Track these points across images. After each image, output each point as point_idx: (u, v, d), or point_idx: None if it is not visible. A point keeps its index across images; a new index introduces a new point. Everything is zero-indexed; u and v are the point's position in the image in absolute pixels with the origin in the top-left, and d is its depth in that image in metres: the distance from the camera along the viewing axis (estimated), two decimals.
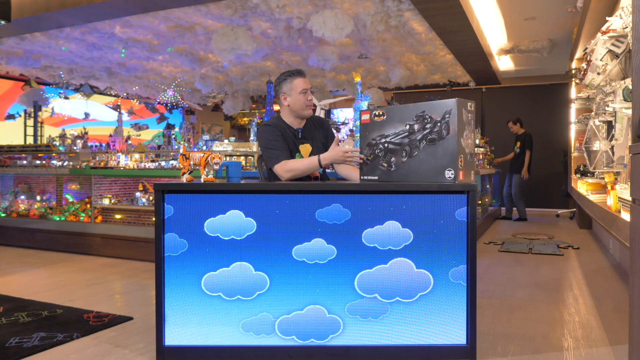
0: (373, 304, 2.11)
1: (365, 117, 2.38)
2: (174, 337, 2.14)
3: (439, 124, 2.09)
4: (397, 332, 2.11)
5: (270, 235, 2.13)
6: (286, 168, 2.57)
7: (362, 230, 2.12)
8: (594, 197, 3.83)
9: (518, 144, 7.64)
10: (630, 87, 2.26)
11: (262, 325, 2.12)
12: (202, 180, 2.29)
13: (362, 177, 2.42)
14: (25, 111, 9.39)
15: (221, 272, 2.13)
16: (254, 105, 12.23)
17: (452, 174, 2.06)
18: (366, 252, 2.12)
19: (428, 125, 2.13)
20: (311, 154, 2.71)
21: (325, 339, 2.11)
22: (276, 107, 12.34)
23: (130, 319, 2.76)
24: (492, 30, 6.88)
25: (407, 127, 2.20)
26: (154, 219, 2.63)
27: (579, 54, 5.65)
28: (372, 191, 2.15)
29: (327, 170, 3.05)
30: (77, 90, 9.25)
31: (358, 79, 4.66)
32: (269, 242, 2.13)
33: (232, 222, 2.14)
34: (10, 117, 9.32)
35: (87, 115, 10.13)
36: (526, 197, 8.24)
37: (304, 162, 2.58)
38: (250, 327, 2.13)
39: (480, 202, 6.60)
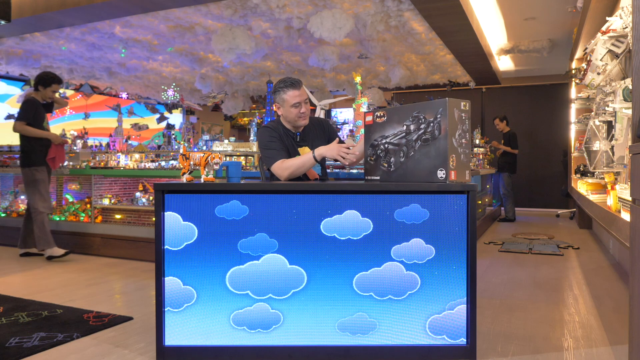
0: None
1: (369, 118, 2.45)
2: (174, 337, 2.14)
3: (432, 124, 2.10)
4: (396, 331, 2.11)
5: (377, 235, 2.12)
6: (283, 167, 2.60)
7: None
8: (594, 197, 3.83)
9: (502, 142, 7.69)
10: (630, 87, 2.26)
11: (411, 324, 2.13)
12: (202, 180, 2.29)
13: (366, 177, 2.48)
14: None
15: (373, 271, 2.11)
16: (254, 105, 12.23)
17: (443, 173, 2.06)
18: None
19: (422, 126, 2.14)
20: None
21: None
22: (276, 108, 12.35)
23: (130, 319, 2.76)
24: (492, 30, 6.88)
25: (405, 127, 2.23)
26: (154, 218, 2.62)
27: (579, 54, 5.64)
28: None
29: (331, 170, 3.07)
30: (77, 90, 9.24)
31: (358, 79, 4.65)
32: (380, 242, 2.11)
33: (349, 222, 2.12)
34: (10, 117, 9.31)
35: (87, 115, 10.12)
36: (516, 196, 8.21)
37: (299, 158, 2.63)
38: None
39: (479, 202, 6.60)
